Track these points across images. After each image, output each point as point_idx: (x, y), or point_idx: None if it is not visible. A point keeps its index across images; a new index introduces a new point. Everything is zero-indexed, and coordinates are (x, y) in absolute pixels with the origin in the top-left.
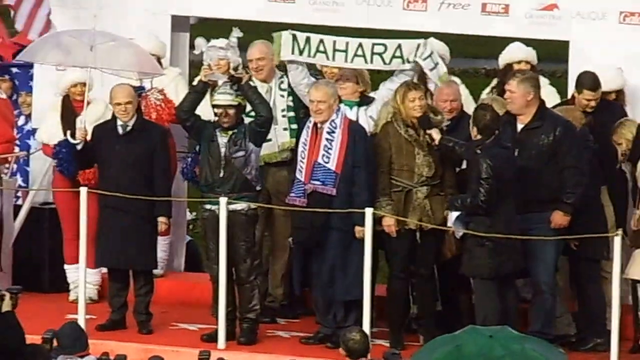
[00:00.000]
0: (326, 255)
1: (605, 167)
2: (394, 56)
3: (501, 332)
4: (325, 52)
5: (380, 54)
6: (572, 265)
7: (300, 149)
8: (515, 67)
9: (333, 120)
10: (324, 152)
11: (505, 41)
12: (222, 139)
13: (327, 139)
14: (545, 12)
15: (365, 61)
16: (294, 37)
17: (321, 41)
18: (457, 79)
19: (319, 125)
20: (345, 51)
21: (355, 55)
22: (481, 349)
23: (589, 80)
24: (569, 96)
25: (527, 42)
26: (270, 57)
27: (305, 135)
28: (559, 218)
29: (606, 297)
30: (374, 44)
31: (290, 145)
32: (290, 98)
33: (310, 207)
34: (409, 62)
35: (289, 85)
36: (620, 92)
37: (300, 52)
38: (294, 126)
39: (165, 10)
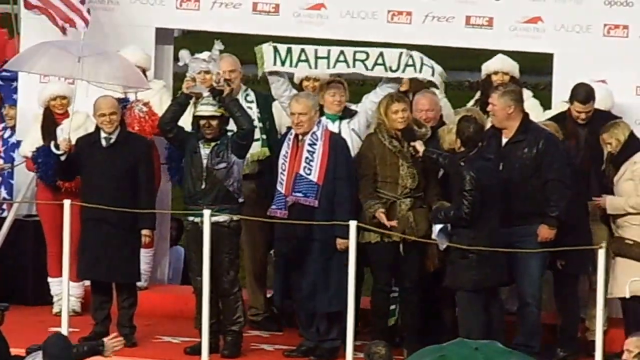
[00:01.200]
0: (308, 268)
1: (597, 181)
2: (376, 63)
3: (487, 346)
4: (307, 60)
5: (362, 61)
6: (556, 279)
7: (280, 161)
8: (494, 78)
9: (314, 132)
10: (306, 164)
11: (489, 54)
12: (205, 151)
13: (308, 151)
14: (529, 24)
15: (348, 66)
16: (275, 49)
17: (302, 50)
18: (437, 91)
19: (300, 137)
20: (327, 58)
21: (338, 61)
22: (465, 359)
23: (582, 93)
24: (553, 108)
25: (511, 54)
26: (240, 69)
27: (286, 148)
28: (545, 232)
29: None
30: (355, 52)
31: (262, 155)
32: (258, 109)
33: (291, 219)
34: (392, 70)
35: (256, 96)
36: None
37: (282, 63)
38: (264, 136)
39: (149, 23)
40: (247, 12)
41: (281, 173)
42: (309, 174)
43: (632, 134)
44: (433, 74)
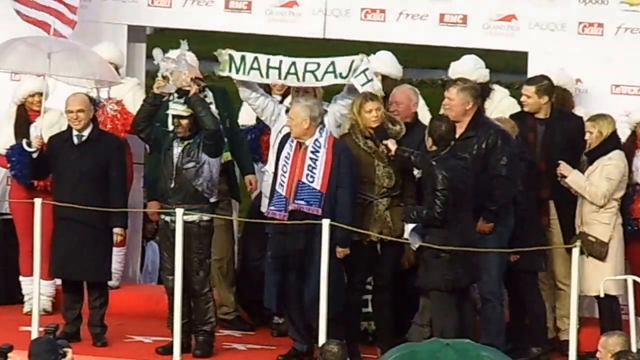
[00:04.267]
0: (310, 275)
1: (552, 179)
2: (326, 72)
3: (460, 343)
4: (259, 69)
5: (312, 72)
6: (510, 276)
7: (282, 162)
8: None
9: (317, 139)
10: (308, 172)
11: (463, 51)
12: (177, 149)
13: (311, 158)
14: (503, 22)
15: (298, 79)
16: (231, 57)
17: (255, 59)
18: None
19: (301, 141)
20: (279, 68)
21: (288, 73)
22: (435, 353)
23: (531, 77)
24: None
25: (485, 52)
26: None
27: (289, 149)
28: (481, 225)
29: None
30: (307, 63)
31: (224, 158)
32: (217, 110)
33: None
34: (342, 77)
35: (214, 95)
36: (566, 92)
37: (237, 70)
38: (225, 139)
39: (121, 21)
40: (220, 10)
41: (282, 175)
42: (312, 182)
43: (614, 132)
44: (364, 85)
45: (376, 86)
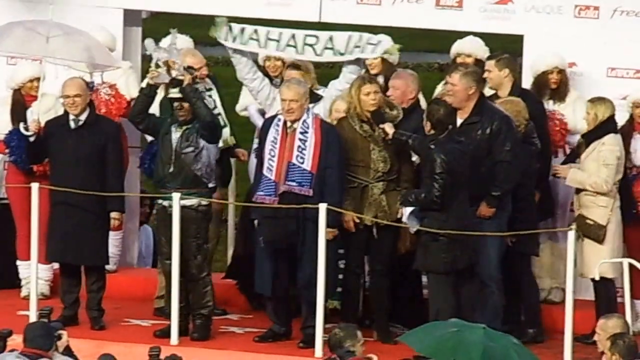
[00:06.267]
0: (304, 258)
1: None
2: (325, 47)
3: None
4: (257, 39)
5: (312, 45)
6: (505, 259)
7: (268, 147)
8: (457, 60)
9: (305, 120)
10: (298, 153)
11: (459, 35)
12: (176, 134)
13: (300, 139)
14: (499, 5)
15: (297, 52)
16: (230, 27)
17: (255, 31)
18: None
19: (288, 124)
20: (278, 40)
21: (287, 45)
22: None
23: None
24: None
25: (481, 36)
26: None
27: (275, 134)
28: (483, 209)
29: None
30: (306, 35)
31: (229, 142)
32: (218, 96)
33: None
34: (340, 54)
35: (214, 81)
36: (562, 73)
37: (234, 39)
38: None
39: (117, 5)
40: None
41: (270, 159)
42: (302, 163)
43: (612, 117)
44: (374, 51)
45: (387, 45)
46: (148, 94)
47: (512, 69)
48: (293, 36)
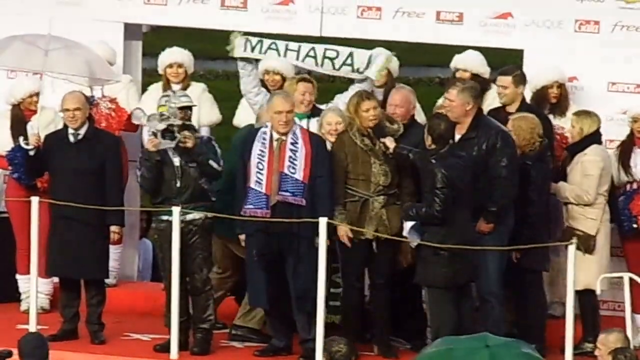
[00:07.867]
0: (298, 269)
1: None
2: (344, 63)
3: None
4: (277, 49)
5: (331, 59)
6: (513, 275)
7: (255, 160)
8: (456, 74)
9: (294, 132)
10: (290, 163)
11: (459, 49)
12: (176, 158)
13: (291, 150)
14: (499, 20)
15: (316, 63)
16: (247, 40)
17: (273, 42)
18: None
19: (276, 136)
20: (297, 51)
21: (307, 55)
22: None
23: (504, 68)
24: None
25: (481, 50)
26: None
27: (261, 147)
28: (481, 226)
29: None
30: (326, 49)
31: None
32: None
33: (274, 218)
34: (358, 71)
35: None
36: (561, 87)
37: (252, 49)
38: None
39: (118, 19)
40: (216, 8)
41: (258, 172)
42: (294, 173)
43: (597, 130)
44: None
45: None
46: (154, 162)
47: (524, 85)
48: (313, 48)
